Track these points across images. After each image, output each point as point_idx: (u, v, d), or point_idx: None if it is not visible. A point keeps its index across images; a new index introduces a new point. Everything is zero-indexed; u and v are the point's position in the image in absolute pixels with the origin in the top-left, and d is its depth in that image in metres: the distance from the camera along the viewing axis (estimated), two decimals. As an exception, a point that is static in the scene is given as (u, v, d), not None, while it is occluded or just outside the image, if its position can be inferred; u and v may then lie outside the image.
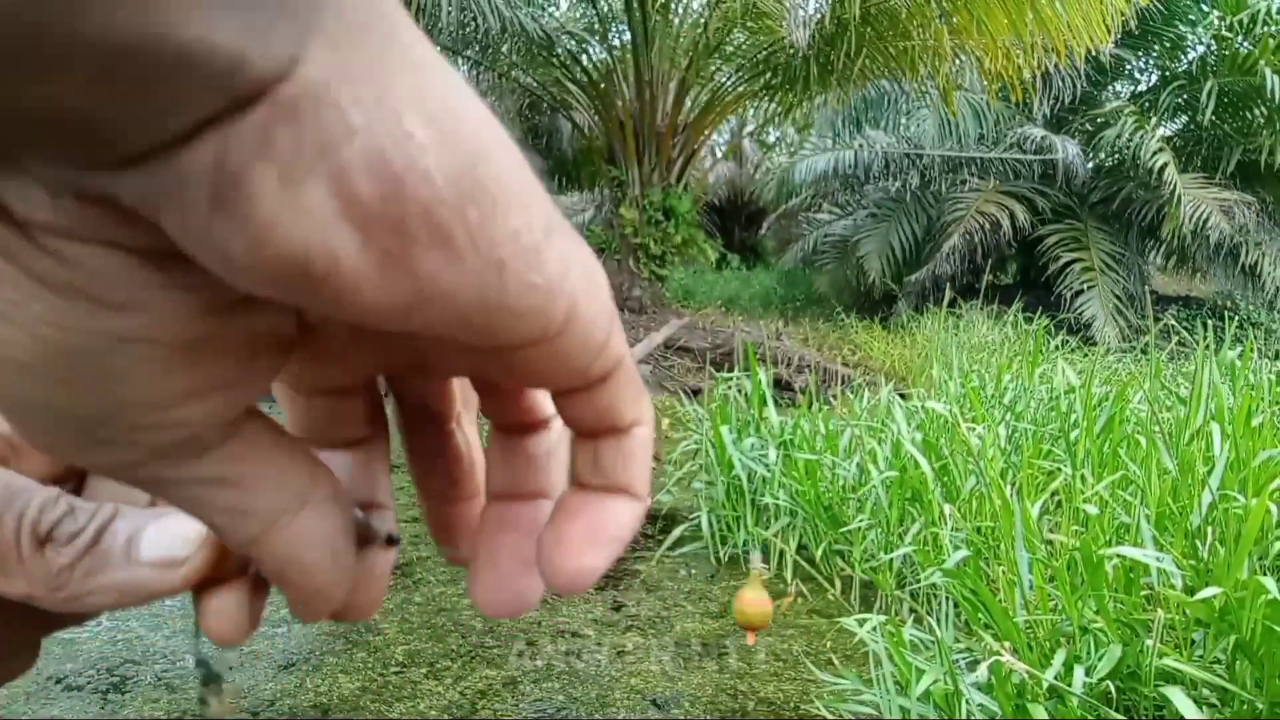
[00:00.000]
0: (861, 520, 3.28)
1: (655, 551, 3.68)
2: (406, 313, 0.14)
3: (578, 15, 11.22)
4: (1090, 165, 11.85)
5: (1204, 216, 9.77)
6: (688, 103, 10.05)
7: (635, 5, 9.11)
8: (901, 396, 4.42)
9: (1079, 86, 11.63)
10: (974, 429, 3.34)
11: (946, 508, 2.79)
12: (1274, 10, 10.24)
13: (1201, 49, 11.39)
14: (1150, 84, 12.37)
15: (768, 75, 9.37)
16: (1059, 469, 3.23)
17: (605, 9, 10.47)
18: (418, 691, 2.48)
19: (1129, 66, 12.15)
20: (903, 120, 12.58)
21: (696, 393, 6.63)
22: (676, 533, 3.71)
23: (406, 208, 0.13)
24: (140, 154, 0.13)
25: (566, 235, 0.16)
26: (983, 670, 2.16)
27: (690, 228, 10.50)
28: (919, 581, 2.83)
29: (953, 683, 2.16)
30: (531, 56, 9.44)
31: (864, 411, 4.23)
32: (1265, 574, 2.16)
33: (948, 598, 2.54)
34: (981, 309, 9.66)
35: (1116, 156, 11.47)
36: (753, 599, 2.38)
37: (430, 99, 0.14)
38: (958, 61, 7.99)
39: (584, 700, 2.46)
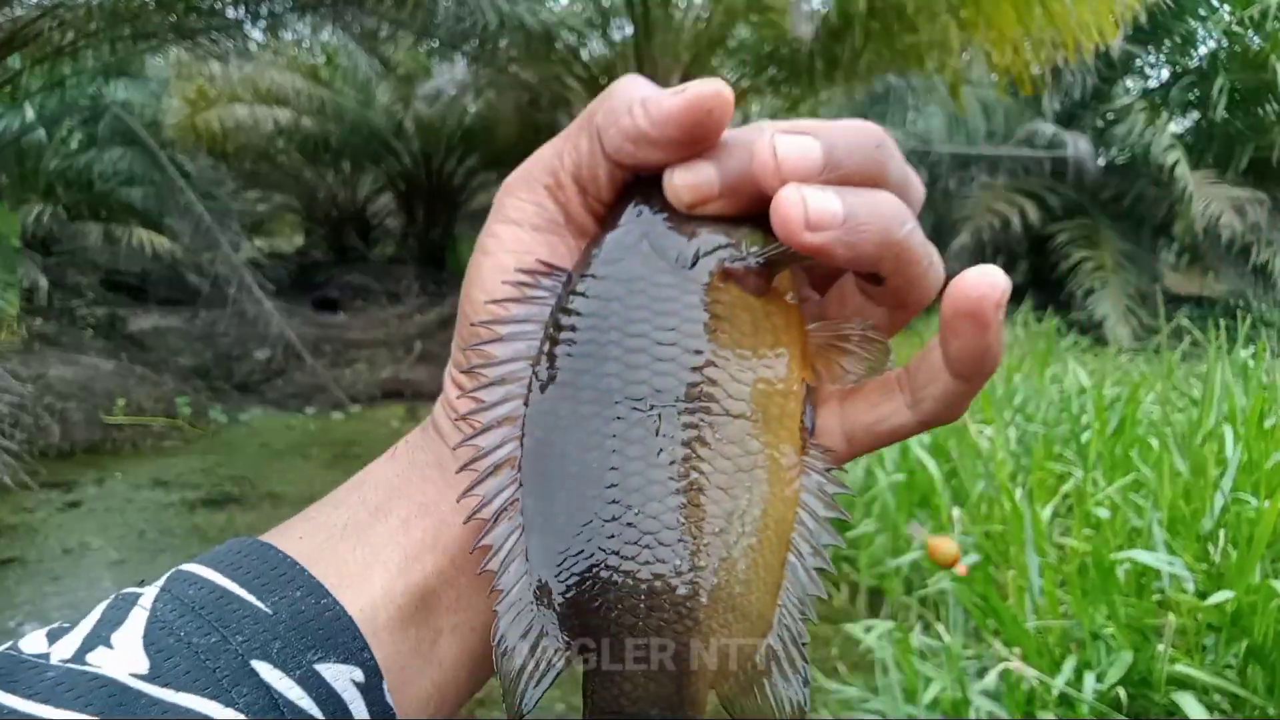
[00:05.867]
0: (868, 525, 3.23)
1: (658, 554, 3.64)
2: None
3: (578, 9, 11.16)
4: (1101, 162, 11.76)
5: (1216, 214, 9.68)
6: (692, 99, 9.97)
7: (637, -1, 9.05)
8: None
9: (1089, 82, 11.54)
10: (983, 431, 3.29)
11: (955, 511, 2.74)
12: (1286, 4, 10.12)
13: (1212, 44, 11.29)
14: (1161, 80, 12.27)
15: (772, 70, 9.31)
16: (1070, 472, 3.18)
17: (606, 2, 10.42)
18: (415, 699, 2.44)
19: (1139, 62, 12.05)
20: (910, 115, 12.51)
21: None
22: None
23: None
24: None
25: None
26: (992, 677, 2.12)
27: (695, 225, 10.45)
28: (927, 587, 2.79)
29: (961, 690, 2.12)
30: (530, 51, 9.39)
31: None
32: (1278, 578, 2.12)
33: (956, 604, 2.50)
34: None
35: (1128, 153, 11.38)
36: (938, 543, 2.51)
37: None
38: (965, 56, 7.92)
39: (585, 706, 2.41)
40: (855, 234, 0.31)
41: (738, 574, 0.31)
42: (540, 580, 0.31)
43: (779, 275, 0.35)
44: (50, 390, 5.52)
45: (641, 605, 0.31)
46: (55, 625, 0.31)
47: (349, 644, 0.32)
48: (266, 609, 0.31)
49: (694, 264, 0.34)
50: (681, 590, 0.31)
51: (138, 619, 0.30)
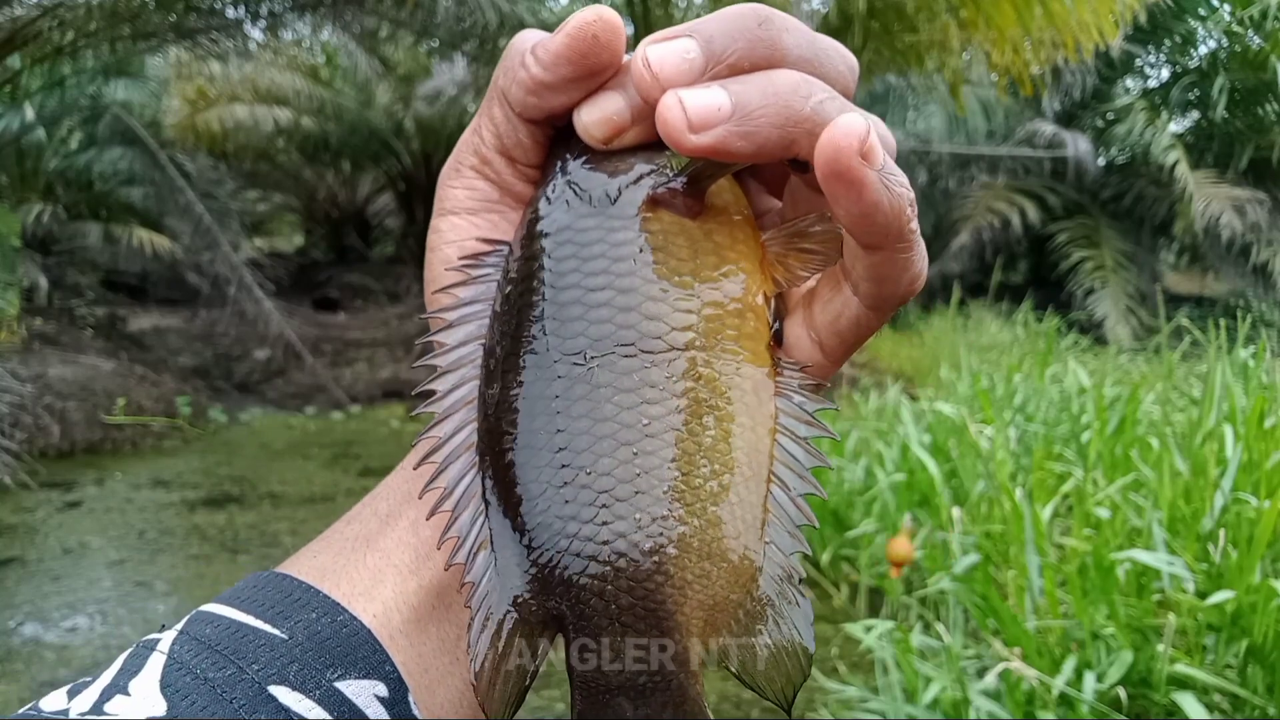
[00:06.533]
0: (869, 524, 3.22)
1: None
2: None
3: (578, 8, 11.16)
4: (1101, 162, 11.75)
5: (1216, 214, 9.68)
6: (692, 99, 9.96)
7: (637, -1, 9.04)
8: (910, 398, 4.38)
9: (1089, 82, 11.53)
10: (983, 431, 3.29)
11: (955, 511, 2.74)
12: (1286, 4, 10.10)
13: (1212, 44, 11.27)
14: (1161, 80, 12.26)
15: (773, 71, 9.29)
16: (1070, 472, 3.18)
17: (606, 2, 10.40)
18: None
19: (1139, 62, 12.04)
20: (910, 115, 12.50)
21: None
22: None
23: None
24: None
25: None
26: (992, 677, 2.11)
27: (695, 225, 10.43)
28: (927, 587, 2.79)
29: (961, 690, 2.12)
30: (532, 52, 9.39)
31: (871, 413, 4.18)
32: (1278, 578, 2.12)
33: (957, 603, 2.50)
34: (991, 308, 9.58)
35: (1128, 153, 11.37)
36: (898, 543, 2.57)
37: None
38: (965, 56, 7.91)
39: (585, 707, 2.42)
40: (749, 122, 0.29)
41: (709, 517, 0.29)
42: (505, 563, 0.30)
43: (713, 190, 0.33)
44: (50, 390, 5.51)
45: (608, 568, 0.28)
46: (76, 681, 0.31)
47: (369, 658, 0.31)
48: (282, 635, 0.31)
49: (617, 199, 0.32)
50: (646, 544, 0.28)
51: (155, 664, 0.30)
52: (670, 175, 0.32)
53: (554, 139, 0.35)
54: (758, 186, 0.37)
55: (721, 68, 0.30)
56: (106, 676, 0.30)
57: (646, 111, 0.31)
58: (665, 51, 0.30)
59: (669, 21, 9.38)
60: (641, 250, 0.31)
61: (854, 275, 0.32)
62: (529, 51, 0.32)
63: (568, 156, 0.34)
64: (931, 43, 7.59)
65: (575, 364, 0.30)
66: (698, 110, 0.29)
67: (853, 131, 0.27)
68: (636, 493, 0.29)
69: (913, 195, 0.30)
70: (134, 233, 9.13)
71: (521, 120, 0.33)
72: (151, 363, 7.37)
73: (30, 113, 8.88)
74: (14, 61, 7.20)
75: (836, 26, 7.73)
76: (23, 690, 2.69)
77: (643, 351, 0.30)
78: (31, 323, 6.98)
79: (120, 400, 5.75)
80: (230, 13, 7.41)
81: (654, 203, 0.32)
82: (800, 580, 0.30)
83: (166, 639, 0.31)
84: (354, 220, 15.87)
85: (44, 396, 5.42)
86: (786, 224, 0.33)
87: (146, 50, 8.50)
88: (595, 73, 0.32)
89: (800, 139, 0.30)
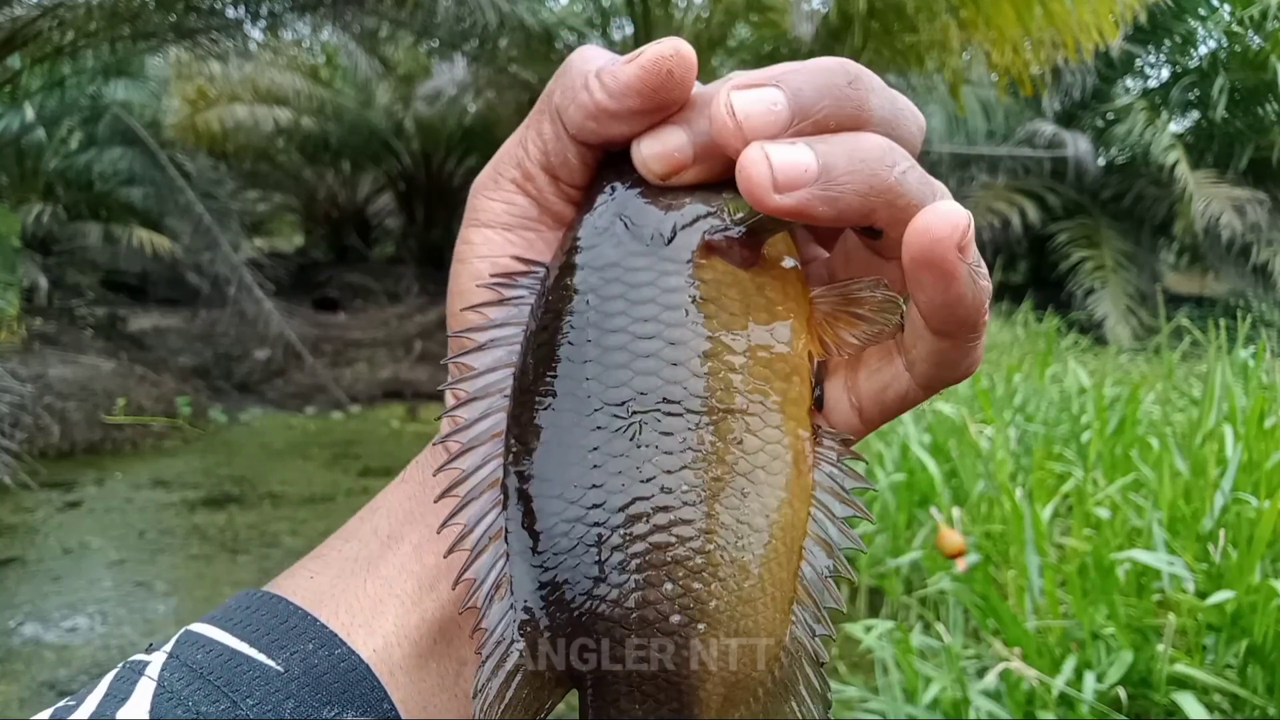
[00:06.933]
0: (867, 525, 3.22)
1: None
2: None
3: (577, 9, 11.17)
4: (1101, 162, 11.76)
5: (1216, 214, 9.68)
6: (692, 99, 9.96)
7: (637, -1, 9.05)
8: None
9: (1089, 82, 11.53)
10: (983, 431, 3.29)
11: (955, 511, 2.74)
12: (1286, 4, 10.11)
13: (1212, 44, 11.28)
14: (1161, 80, 12.27)
15: (773, 71, 9.29)
16: (1070, 472, 3.18)
17: (606, 2, 10.42)
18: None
19: (1139, 62, 12.05)
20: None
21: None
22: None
23: None
24: None
25: None
26: (992, 677, 2.12)
27: (695, 226, 10.43)
28: (927, 587, 2.79)
29: (961, 690, 2.12)
30: (530, 51, 9.39)
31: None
32: (1278, 578, 2.12)
33: (957, 603, 2.50)
34: (991, 308, 9.61)
35: (1128, 153, 11.39)
36: (947, 534, 2.55)
37: None
38: (965, 56, 7.91)
39: (585, 707, 2.41)
40: (834, 187, 0.28)
41: (741, 594, 0.28)
42: (524, 615, 0.29)
43: (770, 241, 0.31)
44: (50, 390, 5.51)
45: (631, 638, 0.28)
46: (61, 703, 0.29)
47: (367, 695, 0.30)
48: (278, 667, 0.30)
49: (671, 240, 0.30)
50: (675, 619, 0.28)
51: (144, 691, 0.29)
52: (728, 222, 0.31)
53: (603, 163, 0.33)
54: (805, 235, 0.36)
55: (807, 124, 0.29)
56: (92, 701, 0.29)
57: (710, 151, 0.30)
58: (752, 100, 0.28)
59: (669, 22, 9.37)
60: (694, 300, 0.30)
61: (913, 354, 0.32)
62: (594, 75, 0.31)
63: (619, 186, 0.32)
64: (931, 43, 7.58)
65: (616, 415, 0.29)
66: (785, 169, 0.28)
67: (954, 223, 0.27)
68: (671, 562, 0.28)
69: (990, 287, 0.30)
70: (134, 233, 9.13)
71: (574, 141, 0.32)
72: (151, 363, 7.37)
73: (30, 113, 8.88)
74: (14, 61, 7.21)
75: (836, 26, 7.73)
76: (23, 690, 2.70)
77: (689, 411, 0.29)
78: (31, 323, 6.98)
79: (120, 400, 5.75)
80: (230, 13, 7.41)
81: (709, 249, 0.31)
82: (822, 664, 0.29)
83: (155, 662, 0.30)
84: (354, 220, 15.86)
85: (44, 396, 5.42)
86: (838, 284, 0.32)
87: (146, 50, 8.51)
88: (664, 108, 0.31)
89: (880, 209, 0.29)
